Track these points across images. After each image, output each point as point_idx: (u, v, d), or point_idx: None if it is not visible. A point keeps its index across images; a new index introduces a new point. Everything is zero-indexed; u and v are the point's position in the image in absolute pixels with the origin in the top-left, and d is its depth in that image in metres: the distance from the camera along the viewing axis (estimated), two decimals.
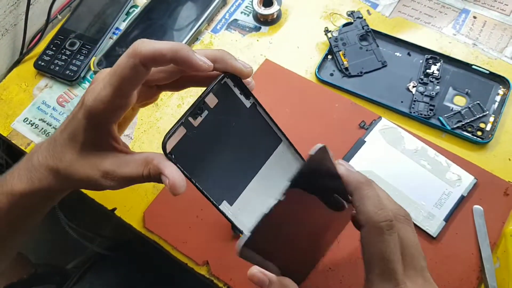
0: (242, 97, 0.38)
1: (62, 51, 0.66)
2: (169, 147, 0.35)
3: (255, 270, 0.39)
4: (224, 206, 0.38)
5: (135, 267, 0.76)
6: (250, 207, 0.39)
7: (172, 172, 0.35)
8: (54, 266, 0.90)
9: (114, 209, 0.56)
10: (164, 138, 0.34)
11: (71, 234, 0.89)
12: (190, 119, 0.35)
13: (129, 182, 0.38)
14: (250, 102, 0.39)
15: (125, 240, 0.84)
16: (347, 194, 0.40)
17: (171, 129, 0.35)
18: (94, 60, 0.65)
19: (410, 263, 0.36)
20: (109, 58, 0.65)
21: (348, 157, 0.56)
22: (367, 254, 0.36)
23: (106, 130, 0.38)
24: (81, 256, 0.92)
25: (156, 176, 0.36)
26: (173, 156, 0.35)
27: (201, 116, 0.36)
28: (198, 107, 0.36)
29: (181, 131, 0.35)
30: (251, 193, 0.39)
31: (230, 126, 0.38)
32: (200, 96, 0.36)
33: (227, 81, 0.37)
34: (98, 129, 0.38)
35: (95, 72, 0.65)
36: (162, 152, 0.35)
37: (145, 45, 0.34)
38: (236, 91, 0.38)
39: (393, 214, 0.36)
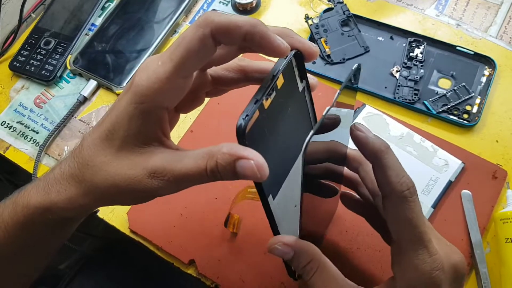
0: (298, 79, 0.34)
1: (37, 51, 0.64)
2: (248, 133, 0.29)
3: (275, 242, 0.36)
4: (270, 201, 0.33)
5: (126, 267, 0.75)
6: (284, 202, 0.36)
7: (253, 153, 0.29)
8: (45, 268, 0.89)
9: (97, 211, 0.55)
10: (240, 121, 0.28)
11: None
12: (264, 100, 0.30)
13: (184, 183, 0.31)
14: (303, 86, 0.35)
15: (116, 239, 0.83)
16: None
17: (245, 110, 0.29)
18: (70, 58, 0.63)
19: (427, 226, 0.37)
20: (85, 56, 0.63)
21: None
22: (395, 223, 0.35)
23: (157, 118, 0.31)
24: (74, 256, 0.91)
25: (226, 168, 0.29)
26: (247, 143, 0.29)
27: (270, 98, 0.31)
28: (272, 86, 0.30)
29: (256, 114, 0.29)
30: (286, 187, 0.36)
31: (286, 110, 0.34)
32: (273, 75, 0.31)
33: (292, 59, 0.32)
34: (148, 116, 0.31)
35: (71, 71, 0.63)
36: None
37: (219, 15, 0.29)
38: (296, 72, 0.34)
39: (410, 183, 0.35)
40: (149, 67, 0.31)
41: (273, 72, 0.31)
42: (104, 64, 0.62)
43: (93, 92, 0.62)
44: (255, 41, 0.30)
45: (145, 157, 0.32)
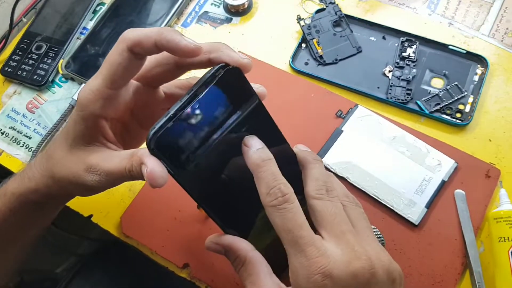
0: (241, 93, 0.34)
1: (29, 56, 0.64)
2: (153, 142, 0.31)
3: (208, 240, 0.40)
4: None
5: (122, 270, 0.75)
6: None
7: (152, 162, 0.32)
8: (42, 271, 0.89)
9: (91, 216, 0.55)
10: (149, 131, 0.31)
11: (59, 238, 0.88)
12: (180, 113, 0.32)
13: (114, 180, 0.36)
14: (250, 98, 0.35)
15: (113, 242, 0.83)
16: None
17: (157, 122, 0.31)
18: (62, 62, 0.63)
19: (325, 230, 0.35)
20: (77, 60, 0.63)
21: (325, 148, 0.55)
22: (275, 231, 0.35)
23: (96, 124, 0.36)
24: (70, 259, 0.91)
25: (137, 169, 0.33)
26: (158, 151, 0.32)
27: (193, 110, 0.32)
28: (188, 100, 0.32)
29: (169, 125, 0.31)
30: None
31: (225, 123, 0.34)
32: (191, 89, 0.32)
33: (225, 73, 0.33)
34: (88, 121, 0.36)
35: (63, 75, 0.63)
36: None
37: (133, 30, 0.34)
38: (236, 86, 0.34)
39: (280, 190, 0.34)
40: (88, 81, 0.36)
41: (194, 86, 0.33)
42: (97, 68, 0.60)
43: None
44: (164, 46, 0.33)
45: (86, 154, 0.37)
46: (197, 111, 0.32)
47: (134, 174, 0.34)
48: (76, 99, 0.60)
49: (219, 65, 0.34)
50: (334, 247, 0.33)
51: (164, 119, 0.31)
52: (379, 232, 0.48)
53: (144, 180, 0.33)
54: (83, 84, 0.61)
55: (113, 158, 0.36)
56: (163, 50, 0.34)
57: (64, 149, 0.38)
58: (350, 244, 0.34)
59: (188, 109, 0.32)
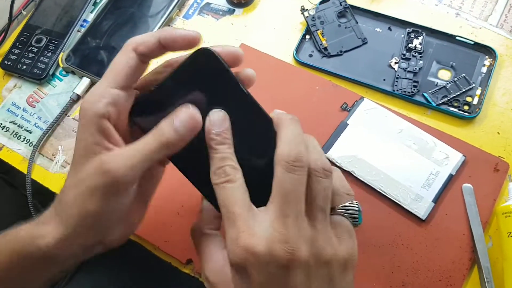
0: (214, 72, 0.36)
1: (29, 49, 0.63)
2: (133, 112, 0.36)
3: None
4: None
5: (125, 265, 0.74)
6: None
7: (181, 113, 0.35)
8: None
9: None
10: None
11: None
12: (156, 87, 0.36)
13: (135, 166, 0.35)
14: (225, 79, 0.36)
15: None
16: None
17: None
18: (62, 55, 0.62)
19: (271, 205, 0.34)
20: (78, 52, 0.62)
21: (330, 142, 0.54)
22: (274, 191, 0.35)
23: (98, 126, 0.35)
24: None
25: (170, 130, 0.35)
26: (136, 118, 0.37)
27: (166, 84, 0.36)
28: (168, 79, 0.36)
29: (146, 97, 0.37)
30: None
31: (196, 98, 0.36)
32: (172, 72, 0.36)
33: (196, 53, 0.35)
34: (92, 125, 0.35)
35: (64, 69, 0.62)
36: None
37: (135, 36, 0.36)
38: (207, 65, 0.36)
39: (224, 171, 0.36)
40: (91, 89, 0.36)
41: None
42: (97, 61, 0.61)
43: (86, 90, 0.61)
44: (167, 38, 0.35)
45: (97, 159, 0.35)
46: (169, 85, 0.36)
47: (165, 138, 0.35)
48: (77, 92, 0.59)
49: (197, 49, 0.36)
50: (267, 225, 0.33)
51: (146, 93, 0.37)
52: (355, 204, 0.38)
53: (178, 143, 0.35)
54: (84, 78, 0.60)
55: (127, 147, 0.35)
56: (166, 45, 0.36)
57: (72, 174, 0.36)
58: (285, 226, 0.33)
59: (164, 83, 0.36)
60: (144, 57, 0.36)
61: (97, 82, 0.36)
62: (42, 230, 0.36)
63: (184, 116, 0.35)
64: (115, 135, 0.36)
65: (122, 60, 0.36)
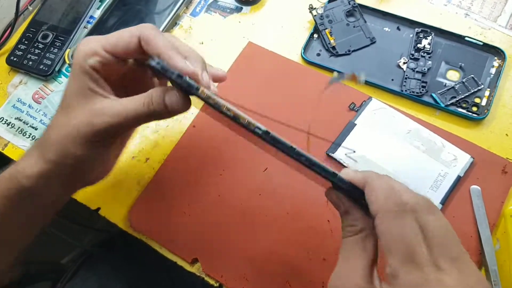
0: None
1: (35, 45, 0.62)
2: None
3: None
4: None
5: (128, 262, 0.74)
6: None
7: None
8: (48, 263, 0.88)
9: (98, 209, 0.54)
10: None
11: (64, 228, 0.87)
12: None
13: (125, 121, 0.38)
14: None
15: (118, 233, 0.83)
16: None
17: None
18: (68, 52, 0.62)
19: (438, 253, 0.31)
20: None
21: (338, 141, 0.54)
22: (385, 242, 0.32)
23: (93, 76, 0.38)
24: (75, 250, 0.90)
25: (159, 99, 0.37)
26: None
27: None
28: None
29: None
30: None
31: None
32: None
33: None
34: (86, 72, 0.38)
35: (70, 65, 0.61)
36: None
37: (153, 29, 0.38)
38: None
39: (407, 201, 0.32)
40: (88, 40, 0.39)
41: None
42: None
43: None
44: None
45: (89, 104, 0.38)
46: None
47: (153, 107, 0.37)
48: None
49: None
50: (449, 276, 0.30)
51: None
52: None
53: (164, 116, 0.38)
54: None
55: (120, 101, 0.38)
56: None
57: (62, 113, 0.39)
58: (465, 273, 0.31)
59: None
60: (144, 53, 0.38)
61: (94, 35, 0.38)
62: (23, 163, 0.40)
63: (174, 98, 0.37)
64: (107, 86, 0.39)
65: (127, 36, 0.38)
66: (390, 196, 0.33)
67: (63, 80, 0.62)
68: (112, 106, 0.38)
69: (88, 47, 0.38)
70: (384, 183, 0.34)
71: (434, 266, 0.30)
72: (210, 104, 0.36)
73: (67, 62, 0.61)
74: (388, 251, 0.32)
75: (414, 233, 0.31)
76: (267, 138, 0.36)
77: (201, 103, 0.37)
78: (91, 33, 0.63)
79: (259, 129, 0.36)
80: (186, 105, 0.37)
